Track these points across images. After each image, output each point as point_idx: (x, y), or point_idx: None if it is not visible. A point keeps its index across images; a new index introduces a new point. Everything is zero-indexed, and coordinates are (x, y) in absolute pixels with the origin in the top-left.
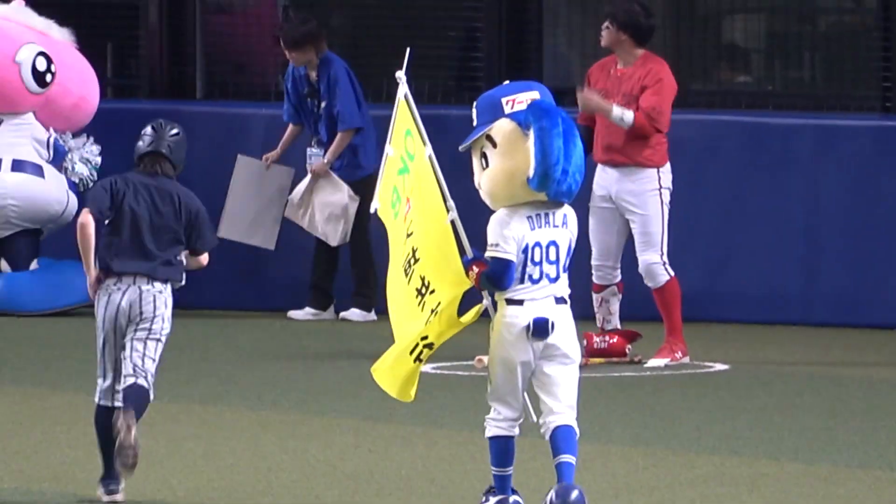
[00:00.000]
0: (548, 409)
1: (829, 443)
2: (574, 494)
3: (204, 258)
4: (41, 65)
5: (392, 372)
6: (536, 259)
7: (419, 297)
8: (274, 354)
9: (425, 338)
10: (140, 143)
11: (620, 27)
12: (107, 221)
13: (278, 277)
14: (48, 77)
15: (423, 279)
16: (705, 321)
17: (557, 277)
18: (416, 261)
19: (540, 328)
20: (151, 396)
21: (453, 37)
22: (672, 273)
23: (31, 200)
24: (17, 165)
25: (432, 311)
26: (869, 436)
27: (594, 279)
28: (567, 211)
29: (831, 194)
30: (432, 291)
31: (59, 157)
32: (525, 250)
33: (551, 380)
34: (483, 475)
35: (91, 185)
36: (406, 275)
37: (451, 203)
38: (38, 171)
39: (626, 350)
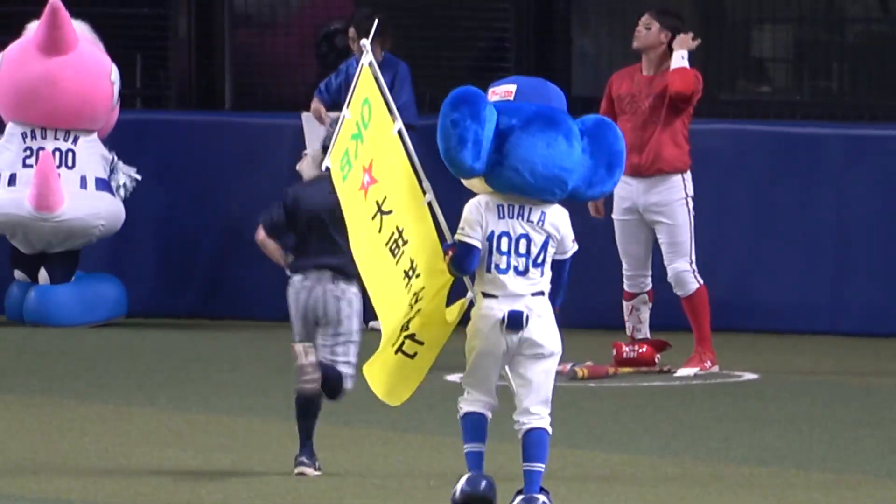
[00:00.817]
0: (522, 407)
1: (857, 452)
2: None
3: None
4: (118, 82)
5: (381, 368)
6: (504, 249)
7: (406, 280)
8: None
9: (406, 328)
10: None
11: (665, 28)
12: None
13: None
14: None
15: (412, 261)
16: (735, 330)
17: (526, 270)
18: (405, 242)
19: (514, 321)
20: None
21: (482, 47)
22: (701, 281)
23: (112, 219)
24: (100, 184)
25: (415, 294)
26: None
27: (625, 287)
28: (549, 210)
29: (860, 204)
30: (418, 275)
31: (112, 175)
32: (490, 238)
33: (526, 376)
34: (514, 483)
35: (126, 194)
36: (394, 255)
37: (426, 184)
38: (110, 188)
39: (656, 359)
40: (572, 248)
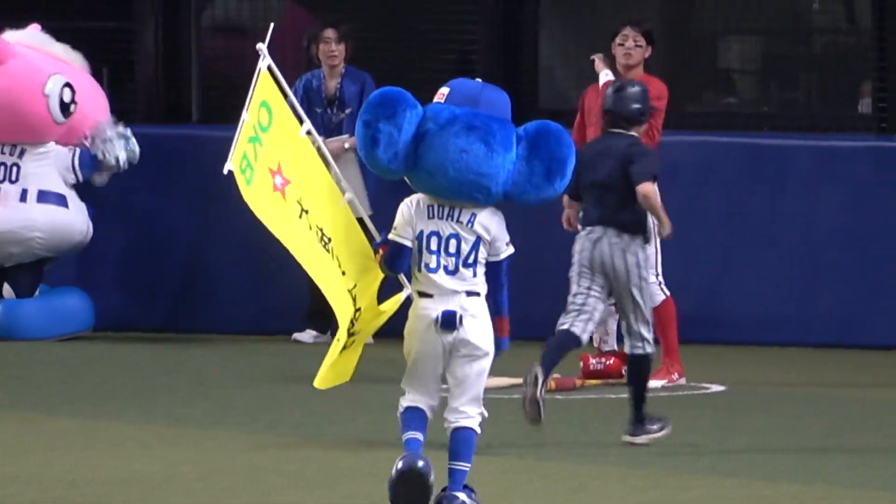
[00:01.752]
0: (452, 406)
1: (825, 464)
2: (456, 503)
3: None
4: (67, 96)
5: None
6: (433, 248)
7: (342, 276)
8: (271, 377)
9: (353, 323)
10: None
11: (649, 43)
12: None
13: (278, 300)
14: (72, 107)
15: (338, 259)
16: (702, 342)
17: (456, 270)
18: (329, 240)
19: (447, 321)
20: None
21: (449, 59)
22: (668, 293)
23: (56, 232)
24: (42, 196)
25: (350, 291)
26: (866, 457)
27: None
28: (481, 212)
29: (828, 215)
30: (344, 273)
31: (87, 168)
32: (420, 237)
33: (459, 375)
34: (487, 498)
35: (128, 164)
36: (328, 251)
37: (344, 184)
38: (62, 201)
39: (623, 371)
40: (506, 250)
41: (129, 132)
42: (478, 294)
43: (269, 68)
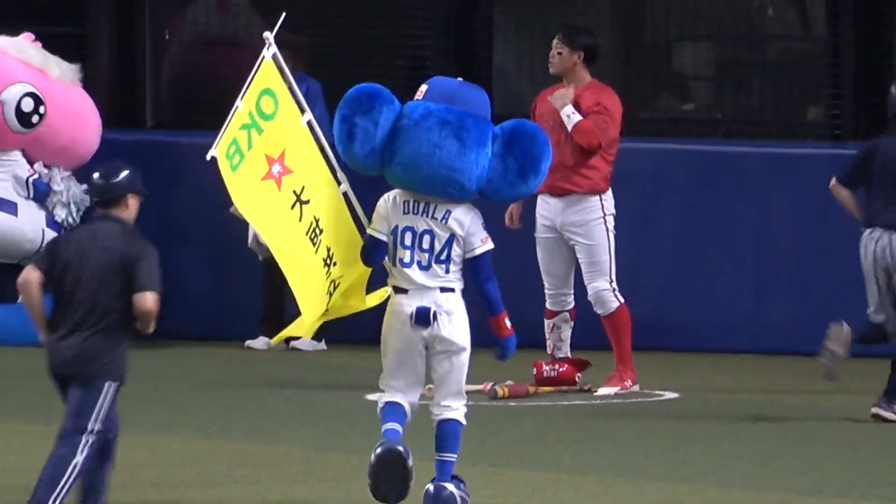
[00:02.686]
0: (436, 401)
1: (779, 470)
2: (445, 493)
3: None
4: (27, 105)
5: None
6: (407, 243)
7: (326, 269)
8: (225, 383)
9: (326, 313)
10: None
11: (574, 48)
12: None
13: (233, 305)
14: (34, 118)
15: (328, 250)
16: (655, 349)
17: (429, 266)
18: (322, 231)
19: (421, 317)
20: None
21: (402, 65)
22: (622, 300)
23: (3, 238)
24: None
25: (333, 282)
26: (818, 463)
27: (547, 305)
28: (456, 208)
29: (781, 222)
30: (335, 264)
31: (40, 195)
32: (395, 232)
33: (439, 372)
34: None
35: (75, 221)
36: (313, 244)
37: (341, 174)
38: (11, 208)
39: (576, 378)
40: (482, 246)
41: (82, 199)
42: (452, 290)
43: (274, 57)
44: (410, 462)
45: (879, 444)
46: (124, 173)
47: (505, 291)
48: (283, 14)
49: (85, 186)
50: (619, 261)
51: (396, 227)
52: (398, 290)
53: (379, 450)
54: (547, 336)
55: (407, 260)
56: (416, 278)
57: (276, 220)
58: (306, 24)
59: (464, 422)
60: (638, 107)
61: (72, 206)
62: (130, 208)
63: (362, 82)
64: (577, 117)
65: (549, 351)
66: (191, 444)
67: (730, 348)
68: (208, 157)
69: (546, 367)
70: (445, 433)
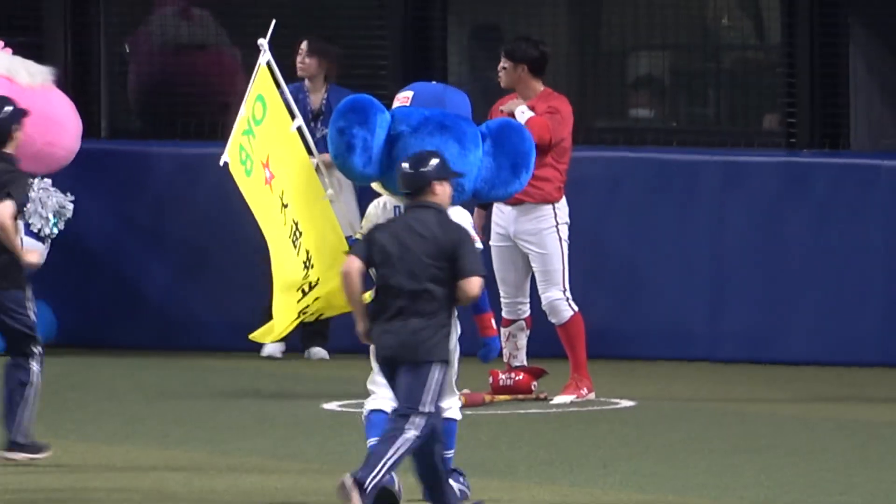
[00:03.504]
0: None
1: (734, 479)
2: None
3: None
4: None
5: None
6: None
7: (305, 270)
8: (181, 394)
9: (304, 313)
10: None
11: (517, 62)
12: None
13: (189, 314)
14: None
15: (307, 253)
16: (611, 357)
17: None
18: (301, 234)
19: None
20: None
21: (358, 75)
22: (576, 308)
23: None
24: None
25: (311, 285)
26: (774, 472)
27: (503, 313)
28: (448, 211)
29: (737, 231)
30: (313, 266)
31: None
32: None
33: None
34: None
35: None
36: (295, 247)
37: (326, 181)
38: None
39: (532, 387)
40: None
41: (55, 206)
42: None
43: (269, 63)
44: (397, 486)
45: (834, 454)
46: (432, 162)
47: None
48: (273, 21)
49: (66, 196)
50: (574, 269)
51: None
52: None
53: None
54: (503, 345)
55: None
56: None
57: (273, 222)
58: (262, 36)
59: (459, 417)
60: (594, 116)
61: (50, 216)
62: (439, 195)
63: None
64: (531, 114)
65: (504, 359)
66: (146, 454)
67: (686, 356)
68: (221, 163)
69: (502, 376)
70: (448, 431)
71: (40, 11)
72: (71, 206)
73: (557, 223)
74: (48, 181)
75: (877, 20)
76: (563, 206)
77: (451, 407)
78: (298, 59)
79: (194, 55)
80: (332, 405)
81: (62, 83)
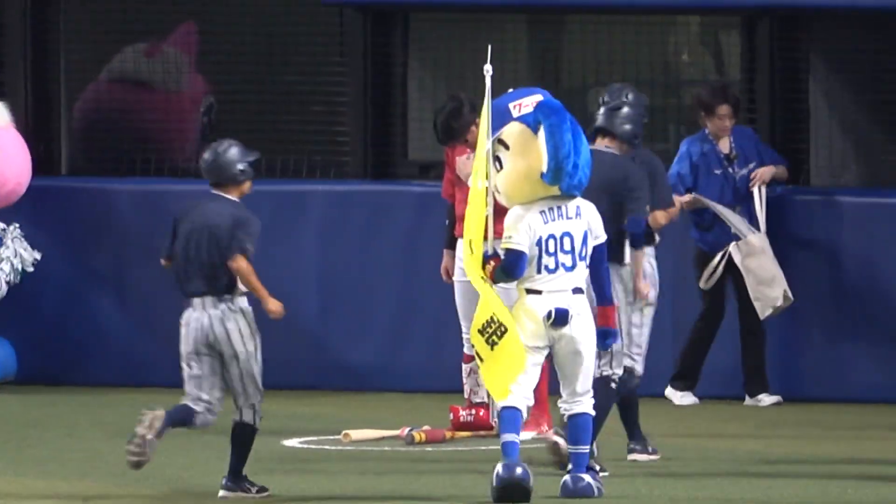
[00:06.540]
0: (566, 395)
1: None
2: (582, 484)
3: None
4: None
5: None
6: (551, 250)
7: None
8: None
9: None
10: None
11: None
12: None
13: (151, 351)
14: None
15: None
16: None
17: (574, 266)
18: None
19: (560, 318)
20: None
21: (318, 111)
22: None
23: None
24: None
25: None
26: None
27: (465, 349)
28: (580, 203)
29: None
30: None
31: None
32: (539, 243)
33: (570, 368)
34: None
35: (14, 281)
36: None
37: (486, 173)
38: None
39: (493, 423)
40: (604, 234)
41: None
42: (581, 291)
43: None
44: (531, 483)
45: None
46: None
47: (422, 336)
48: (489, 45)
49: (33, 253)
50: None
51: (540, 238)
52: (530, 291)
53: (501, 471)
54: (464, 381)
55: (552, 266)
56: (558, 283)
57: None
58: (220, 73)
59: (593, 413)
60: None
61: (20, 267)
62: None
63: (276, 129)
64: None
65: (465, 396)
66: (106, 491)
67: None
68: (480, 187)
69: (463, 412)
70: (578, 427)
71: (1, 48)
72: (35, 257)
73: None
74: (19, 230)
75: (836, 56)
76: None
77: (587, 403)
78: (719, 122)
79: (150, 92)
80: (293, 442)
81: (22, 120)
